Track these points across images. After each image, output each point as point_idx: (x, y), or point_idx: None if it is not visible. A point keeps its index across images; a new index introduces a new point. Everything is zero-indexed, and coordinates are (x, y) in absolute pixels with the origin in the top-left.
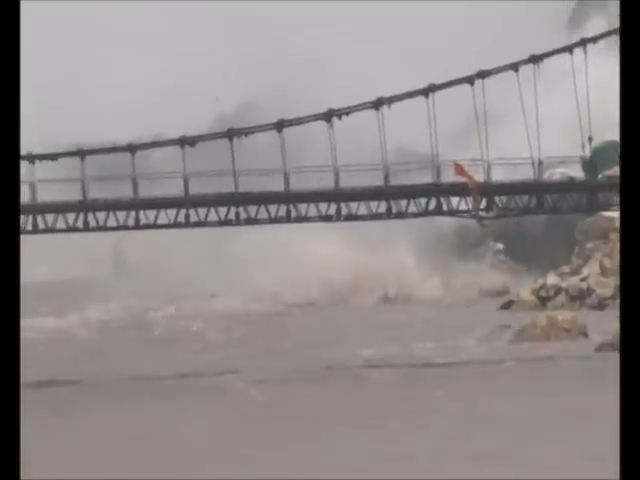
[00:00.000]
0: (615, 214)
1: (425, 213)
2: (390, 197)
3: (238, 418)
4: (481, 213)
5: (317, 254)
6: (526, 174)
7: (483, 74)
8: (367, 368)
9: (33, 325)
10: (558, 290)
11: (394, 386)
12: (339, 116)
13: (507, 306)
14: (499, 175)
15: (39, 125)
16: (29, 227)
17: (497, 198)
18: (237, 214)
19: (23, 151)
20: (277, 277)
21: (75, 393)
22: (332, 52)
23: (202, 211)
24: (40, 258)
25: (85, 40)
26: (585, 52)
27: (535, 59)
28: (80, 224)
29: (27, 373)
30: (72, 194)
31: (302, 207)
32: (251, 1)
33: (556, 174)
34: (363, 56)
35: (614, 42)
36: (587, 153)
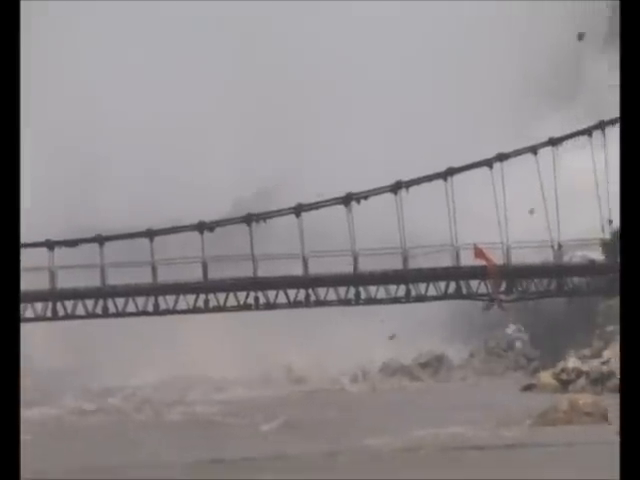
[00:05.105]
0: None
1: (444, 296)
2: (409, 280)
3: None
4: (501, 296)
5: None
6: (546, 257)
7: (502, 157)
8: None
9: None
10: (579, 373)
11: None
12: (357, 200)
13: (528, 388)
14: (518, 258)
15: (58, 212)
16: (49, 314)
17: (517, 281)
18: (256, 299)
19: (42, 238)
20: None
21: None
22: (349, 135)
23: (221, 296)
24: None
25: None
26: (604, 134)
27: (554, 141)
28: (99, 310)
29: None
30: (91, 280)
31: (321, 291)
32: (265, 83)
33: (576, 257)
34: (381, 138)
35: None
36: (607, 235)
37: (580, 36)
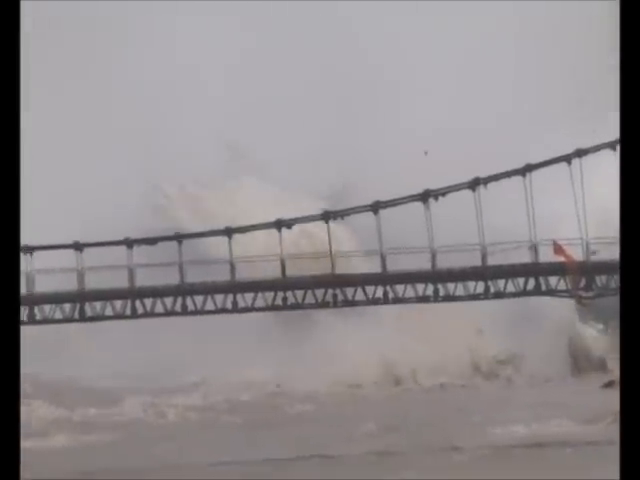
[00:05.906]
0: None
1: (523, 293)
2: (488, 277)
3: None
4: (580, 292)
5: None
6: None
7: (580, 153)
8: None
9: None
10: None
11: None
12: (435, 197)
13: (609, 385)
14: (596, 254)
15: (136, 212)
16: (128, 312)
17: (597, 277)
18: (334, 296)
19: (121, 236)
20: None
21: None
22: (426, 132)
23: (299, 293)
24: None
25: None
26: None
27: None
28: (178, 308)
29: None
30: (169, 278)
31: (399, 288)
32: (344, 80)
33: None
34: (458, 136)
35: None
36: None
37: None
